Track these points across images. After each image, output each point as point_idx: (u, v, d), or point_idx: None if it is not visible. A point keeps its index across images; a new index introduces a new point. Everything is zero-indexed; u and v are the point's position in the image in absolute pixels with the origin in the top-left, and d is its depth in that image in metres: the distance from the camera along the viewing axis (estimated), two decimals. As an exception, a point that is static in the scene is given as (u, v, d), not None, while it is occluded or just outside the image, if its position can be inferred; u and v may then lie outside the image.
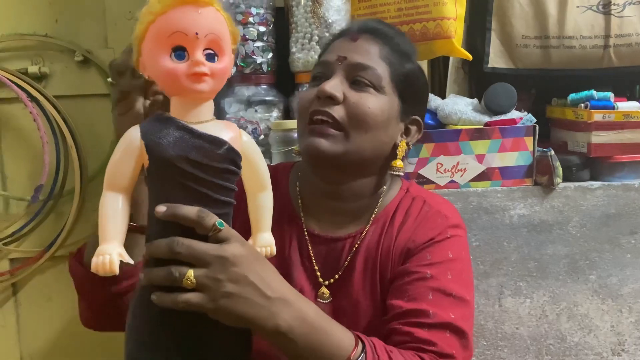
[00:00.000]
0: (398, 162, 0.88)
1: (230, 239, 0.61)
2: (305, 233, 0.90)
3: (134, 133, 0.57)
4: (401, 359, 0.73)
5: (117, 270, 0.55)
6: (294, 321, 0.65)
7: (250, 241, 0.67)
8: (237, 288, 0.61)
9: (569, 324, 1.19)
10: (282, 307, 0.65)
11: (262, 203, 0.66)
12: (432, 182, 1.18)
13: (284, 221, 0.90)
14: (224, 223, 0.61)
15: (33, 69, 1.40)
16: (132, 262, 0.58)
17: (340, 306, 0.86)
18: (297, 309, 0.66)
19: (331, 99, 0.82)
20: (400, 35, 0.91)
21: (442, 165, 1.18)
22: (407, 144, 0.90)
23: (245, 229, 0.67)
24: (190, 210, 0.58)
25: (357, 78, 0.84)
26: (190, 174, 0.57)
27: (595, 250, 1.18)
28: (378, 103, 0.83)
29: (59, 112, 1.39)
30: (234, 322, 0.63)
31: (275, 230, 0.72)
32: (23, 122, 1.44)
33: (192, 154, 0.57)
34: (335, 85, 0.82)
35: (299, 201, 0.92)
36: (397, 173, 0.88)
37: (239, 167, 0.61)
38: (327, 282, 0.87)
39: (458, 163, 1.18)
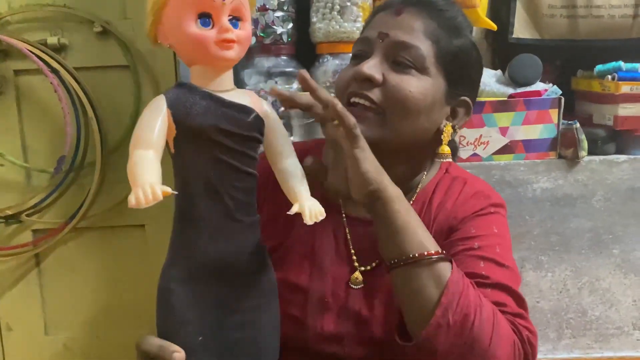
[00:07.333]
0: (445, 149, 0.82)
1: None
2: (344, 216, 0.85)
3: (160, 102, 0.55)
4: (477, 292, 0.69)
5: (160, 196, 0.49)
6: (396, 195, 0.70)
7: (295, 206, 0.62)
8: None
9: (591, 298, 1.18)
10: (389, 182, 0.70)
11: (292, 169, 0.63)
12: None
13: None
14: None
15: (52, 40, 1.39)
16: (171, 191, 0.52)
17: (374, 293, 0.81)
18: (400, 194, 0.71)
19: (369, 81, 0.77)
20: (451, 7, 0.82)
21: (464, 137, 1.16)
22: (454, 127, 0.83)
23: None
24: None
25: (398, 58, 0.77)
26: (222, 144, 0.56)
27: (620, 225, 1.16)
28: (420, 86, 0.77)
29: (79, 83, 1.38)
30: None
31: None
32: (43, 94, 1.44)
33: (223, 123, 0.55)
34: (373, 66, 0.77)
35: None
36: (445, 160, 0.82)
37: (263, 136, 0.60)
38: (363, 268, 0.83)
39: (481, 136, 1.16)
